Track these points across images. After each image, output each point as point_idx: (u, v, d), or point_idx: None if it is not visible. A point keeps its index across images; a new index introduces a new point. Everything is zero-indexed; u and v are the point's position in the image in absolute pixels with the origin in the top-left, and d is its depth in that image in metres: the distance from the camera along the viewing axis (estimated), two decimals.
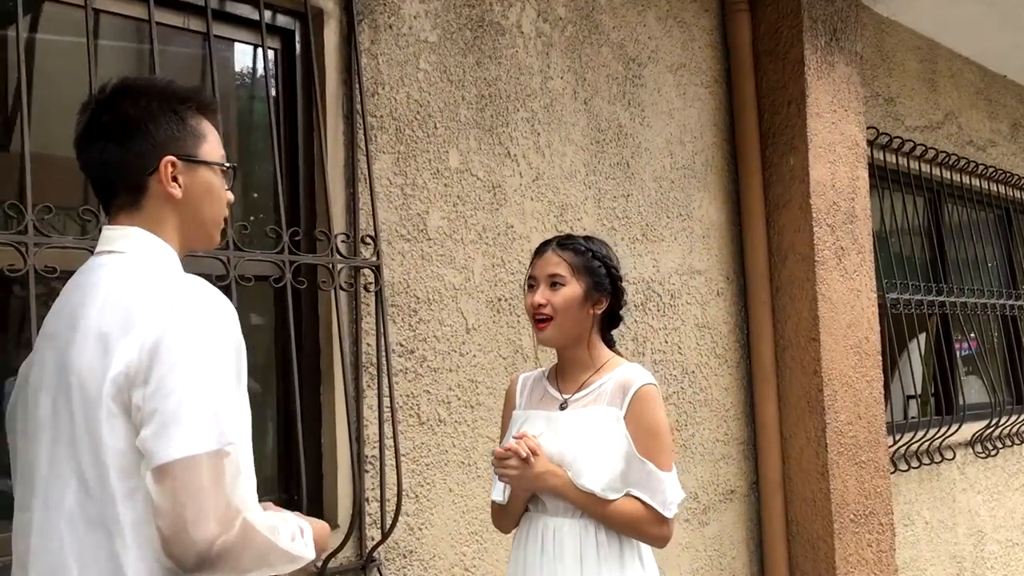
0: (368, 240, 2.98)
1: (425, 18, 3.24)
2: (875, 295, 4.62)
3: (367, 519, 2.93)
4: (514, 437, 2.22)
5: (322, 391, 2.95)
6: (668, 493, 2.17)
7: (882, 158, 5.21)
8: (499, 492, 2.29)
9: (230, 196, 1.71)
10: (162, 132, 1.60)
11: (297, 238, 2.82)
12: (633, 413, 2.19)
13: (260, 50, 2.88)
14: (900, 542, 4.90)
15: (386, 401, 2.95)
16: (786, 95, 4.36)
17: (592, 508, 2.17)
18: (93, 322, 1.48)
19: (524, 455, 2.15)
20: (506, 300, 3.38)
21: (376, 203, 2.99)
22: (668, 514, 2.17)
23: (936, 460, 5.35)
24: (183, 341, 1.42)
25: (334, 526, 2.83)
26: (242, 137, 3.05)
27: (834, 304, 4.32)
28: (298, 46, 3.00)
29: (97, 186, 1.65)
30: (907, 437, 5.08)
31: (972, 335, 6.09)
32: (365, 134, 2.99)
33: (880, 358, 4.59)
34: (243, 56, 3.03)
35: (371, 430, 2.95)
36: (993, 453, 5.88)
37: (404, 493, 2.97)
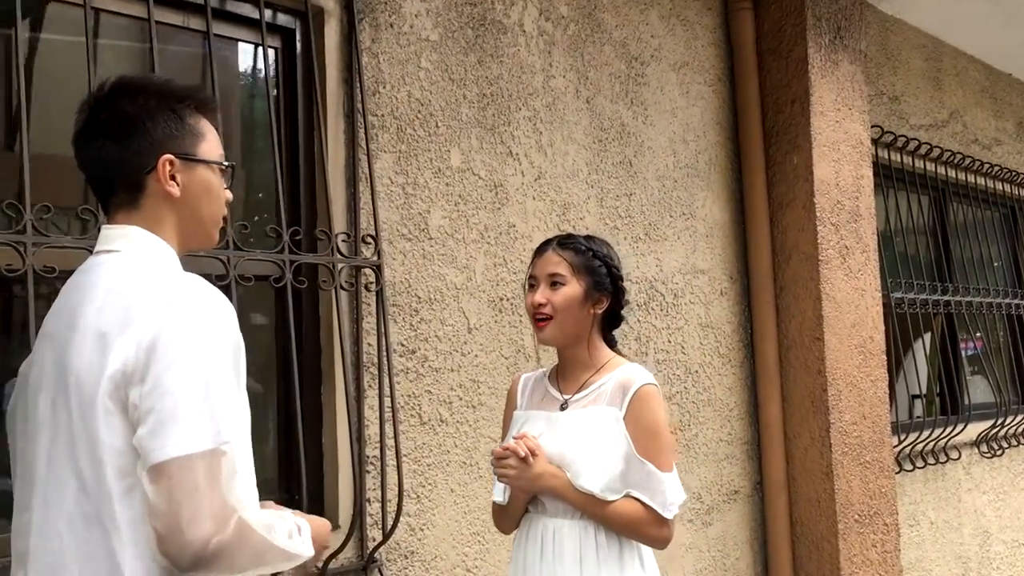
0: (369, 239, 2.96)
1: (426, 16, 3.23)
2: (880, 294, 4.60)
3: (368, 519, 2.92)
4: (513, 437, 2.22)
5: (323, 391, 2.94)
6: (668, 494, 2.16)
7: (887, 157, 5.19)
8: (499, 493, 2.28)
9: (229, 195, 1.71)
10: (160, 130, 1.60)
11: (298, 237, 2.81)
12: (633, 413, 2.18)
13: (260, 49, 2.87)
14: (905, 542, 4.88)
15: (387, 401, 2.94)
16: (790, 93, 4.34)
17: (591, 509, 2.16)
18: (91, 321, 1.48)
19: (522, 455, 2.14)
20: (508, 300, 3.37)
21: (377, 202, 2.98)
22: (668, 515, 2.16)
23: (941, 460, 5.33)
24: (180, 339, 1.42)
25: (335, 527, 2.82)
26: (243, 136, 3.04)
27: (838, 303, 4.31)
28: (299, 45, 2.99)
29: (95, 185, 1.64)
30: (912, 437, 5.05)
31: (978, 334, 6.06)
32: (366, 133, 2.98)
33: (885, 358, 4.57)
34: (243, 55, 3.02)
35: (372, 430, 2.94)
36: (999, 453, 5.86)
37: (405, 493, 2.97)
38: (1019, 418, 6.04)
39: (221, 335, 1.47)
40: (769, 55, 4.41)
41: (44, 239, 2.27)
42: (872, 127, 4.84)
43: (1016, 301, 6.25)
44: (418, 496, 3.06)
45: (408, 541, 3.03)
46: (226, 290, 2.47)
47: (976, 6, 5.30)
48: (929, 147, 5.51)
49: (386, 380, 2.93)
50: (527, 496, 2.23)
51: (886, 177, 5.20)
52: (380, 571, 2.94)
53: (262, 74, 2.92)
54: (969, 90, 6.09)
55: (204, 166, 1.64)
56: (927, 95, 5.68)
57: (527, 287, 2.32)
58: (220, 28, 2.79)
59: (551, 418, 2.26)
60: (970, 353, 6.10)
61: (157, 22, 2.60)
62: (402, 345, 3.06)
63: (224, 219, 1.73)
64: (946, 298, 5.56)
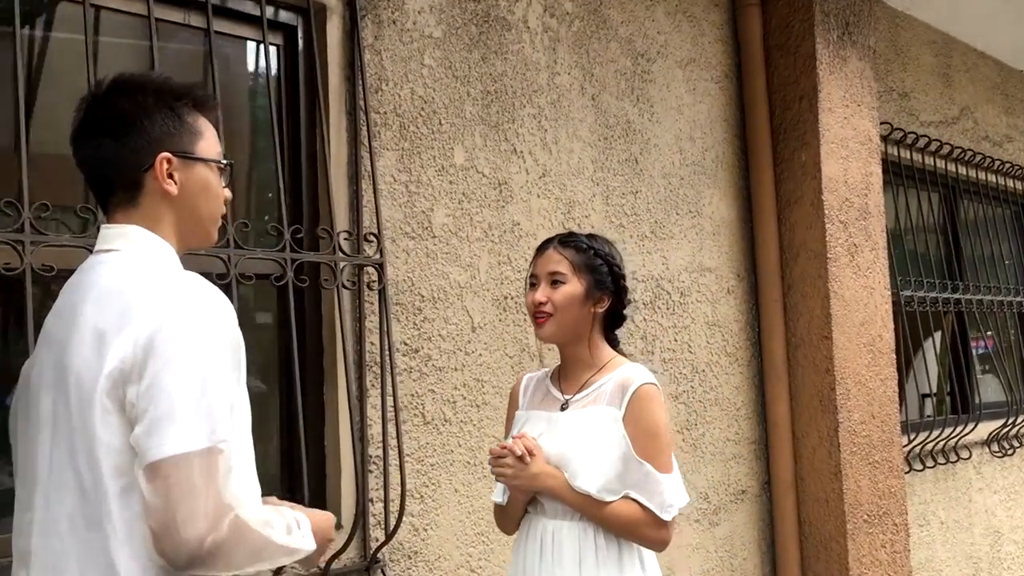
0: (371, 238, 2.95)
1: (429, 13, 3.21)
2: (889, 292, 4.56)
3: (371, 519, 2.91)
4: (513, 437, 2.20)
5: (325, 390, 2.93)
6: (666, 495, 2.13)
7: (896, 154, 5.16)
8: (499, 493, 2.27)
9: (228, 193, 1.71)
10: (157, 128, 1.59)
11: (299, 236, 2.80)
12: (632, 413, 2.15)
13: (262, 46, 2.85)
14: (915, 543, 4.85)
15: (390, 400, 2.92)
16: (798, 90, 4.31)
17: (589, 510, 2.13)
18: (90, 320, 1.48)
19: (519, 453, 2.13)
20: (512, 298, 3.35)
21: (380, 200, 2.96)
22: (666, 517, 2.13)
23: (952, 459, 5.29)
24: (178, 337, 1.42)
25: (337, 526, 2.81)
26: (244, 134, 3.03)
27: (847, 302, 4.27)
28: (300, 42, 2.97)
29: (94, 183, 1.64)
30: (922, 436, 5.02)
31: (988, 333, 6.02)
32: (368, 131, 2.97)
33: (894, 356, 4.54)
34: (245, 52, 3.01)
35: (375, 429, 2.93)
36: (1010, 452, 5.81)
37: (409, 493, 2.95)
38: None
39: (219, 333, 1.46)
40: (777, 51, 4.37)
41: (42, 238, 2.26)
42: (881, 124, 4.81)
43: None
44: (421, 496, 3.05)
45: (412, 541, 3.01)
46: (227, 289, 2.46)
47: (987, 2, 5.26)
48: (939, 144, 5.47)
49: (388, 379, 2.92)
50: (526, 496, 2.21)
51: (896, 174, 5.16)
52: (383, 571, 2.92)
53: (264, 72, 2.90)
54: (980, 86, 6.04)
55: (202, 164, 1.63)
56: (937, 91, 5.63)
57: (528, 285, 2.31)
58: (221, 25, 2.78)
59: (551, 418, 2.24)
60: (981, 352, 6.05)
61: (158, 19, 2.59)
62: (405, 344, 3.04)
63: (224, 217, 1.73)
64: (956, 296, 5.52)
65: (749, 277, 4.35)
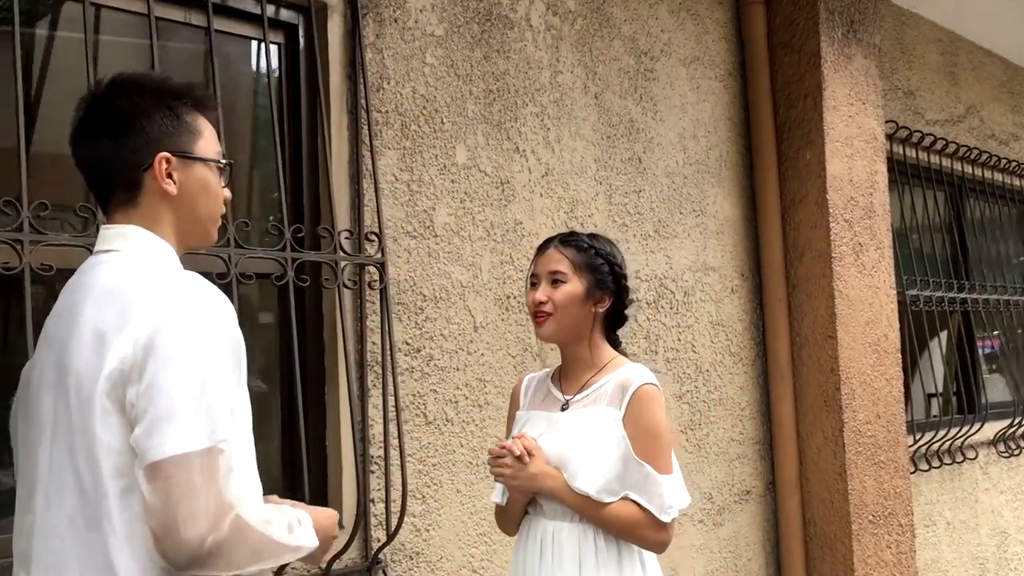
0: (373, 237, 2.94)
1: (431, 11, 3.20)
2: (894, 292, 4.54)
3: (372, 520, 2.90)
4: (512, 437, 2.19)
5: (326, 390, 2.92)
6: (666, 497, 2.11)
7: (902, 152, 5.13)
8: (498, 493, 2.26)
9: (227, 193, 1.70)
10: (156, 128, 1.59)
11: (300, 235, 2.79)
12: (632, 414, 2.14)
13: (263, 45, 2.84)
14: (921, 543, 4.82)
15: (391, 400, 2.91)
16: (802, 88, 4.29)
17: (588, 511, 2.12)
18: (89, 321, 1.48)
19: (517, 453, 2.11)
20: (515, 298, 3.34)
21: (381, 199, 2.95)
22: (665, 519, 2.11)
23: (958, 460, 5.27)
24: (177, 337, 1.42)
25: (339, 526, 2.79)
26: (245, 133, 3.02)
27: (852, 301, 4.25)
28: (302, 40, 2.96)
29: (93, 184, 1.64)
30: (928, 436, 5.00)
31: (995, 333, 5.99)
32: (370, 129, 2.95)
33: (899, 356, 4.51)
34: (246, 51, 3.00)
35: (376, 429, 2.92)
36: (1016, 452, 5.79)
37: (410, 494, 2.94)
38: None
39: (219, 333, 1.46)
40: (781, 49, 4.36)
41: (41, 237, 2.26)
42: (887, 122, 4.79)
43: None
44: (423, 496, 3.03)
45: (413, 542, 3.00)
46: (227, 288, 2.45)
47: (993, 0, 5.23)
48: (945, 143, 5.45)
49: (390, 379, 2.90)
50: (525, 497, 2.20)
51: (901, 173, 5.14)
52: (384, 572, 2.91)
53: (265, 70, 2.89)
54: (986, 85, 6.01)
55: (201, 164, 1.63)
56: (943, 90, 5.61)
57: (529, 285, 2.29)
58: (222, 24, 2.77)
59: (551, 418, 2.23)
60: (987, 351, 6.03)
61: (158, 18, 2.59)
62: (407, 344, 3.03)
63: (224, 217, 1.73)
64: (963, 295, 5.49)
65: (753, 276, 4.33)
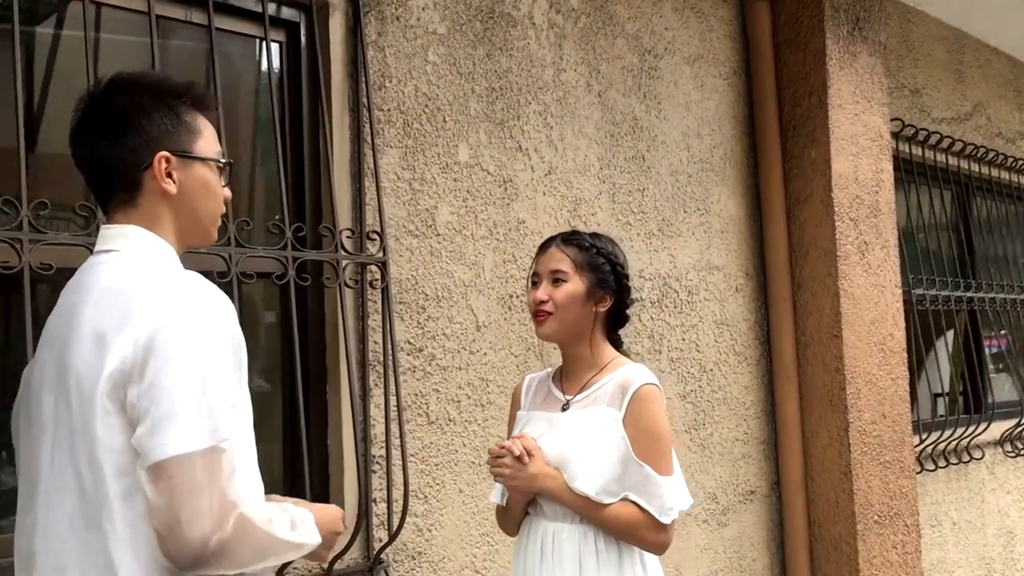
0: (374, 236, 2.92)
1: (433, 9, 3.18)
2: (900, 291, 4.52)
3: (374, 520, 2.88)
4: (512, 437, 2.18)
5: (328, 390, 2.91)
6: (666, 498, 2.10)
7: (908, 151, 5.11)
8: (497, 494, 2.25)
9: (227, 192, 1.70)
10: (155, 127, 1.59)
11: (301, 234, 2.78)
12: (632, 414, 2.12)
13: (264, 43, 2.83)
14: (927, 544, 4.80)
15: (393, 400, 2.90)
16: (807, 86, 4.27)
17: (587, 512, 2.11)
18: (89, 321, 1.48)
19: (517, 453, 2.10)
20: (517, 297, 3.32)
21: (383, 198, 2.94)
22: (665, 520, 2.09)
23: (964, 460, 5.24)
24: (178, 337, 1.42)
25: None
26: (246, 132, 3.01)
27: (857, 300, 4.23)
28: (303, 39, 2.95)
29: (93, 184, 1.64)
30: (934, 436, 4.97)
31: (1002, 332, 5.96)
32: (371, 128, 2.94)
33: (905, 355, 4.49)
34: (247, 49, 2.99)
35: (378, 429, 2.90)
36: (1023, 452, 5.75)
37: (412, 494, 2.93)
38: None
39: (219, 332, 1.46)
40: (786, 47, 4.33)
41: (41, 236, 2.25)
42: (893, 120, 4.76)
43: None
44: (426, 496, 3.02)
45: (416, 542, 2.99)
46: (227, 287, 2.45)
47: None
48: (951, 141, 5.42)
49: (392, 378, 2.89)
50: (525, 497, 2.19)
51: (907, 171, 5.11)
52: (386, 572, 2.90)
53: (266, 69, 2.88)
54: (993, 82, 5.98)
55: (201, 163, 1.63)
56: (949, 88, 5.58)
57: (530, 284, 2.28)
58: (223, 22, 2.76)
59: (552, 419, 2.22)
60: (994, 351, 6.00)
61: (159, 16, 2.58)
62: (409, 343, 3.02)
63: (224, 216, 1.72)
64: (969, 295, 5.46)
65: (758, 275, 4.31)
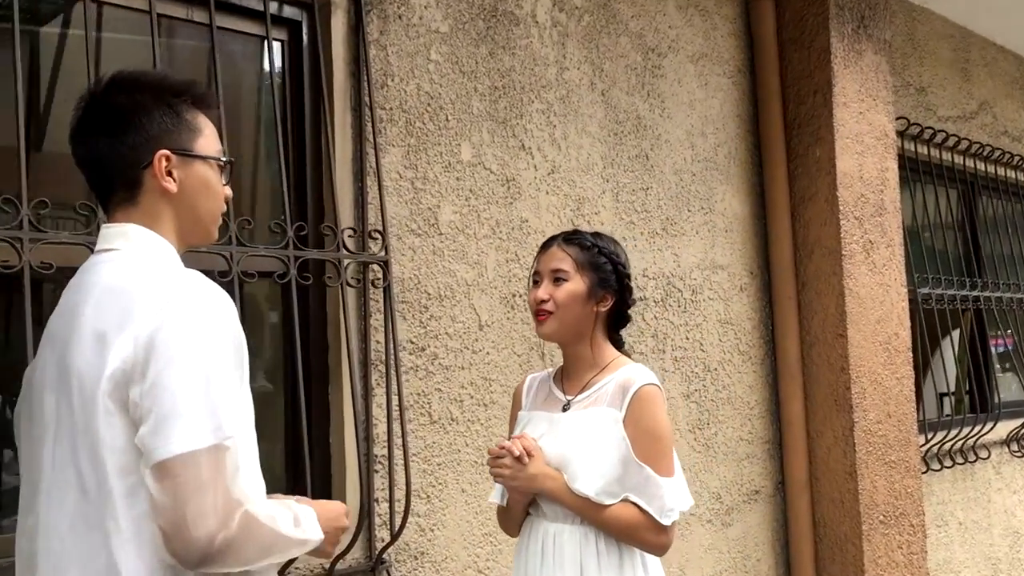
0: (376, 235, 2.92)
1: (436, 8, 3.17)
2: (905, 290, 4.50)
3: (376, 520, 2.87)
4: (512, 437, 2.16)
5: (330, 389, 2.90)
6: (667, 499, 2.08)
7: (913, 149, 5.09)
8: (497, 494, 2.24)
9: (228, 191, 1.70)
10: (156, 126, 1.59)
11: (303, 233, 2.77)
12: (632, 415, 2.11)
13: (266, 42, 2.83)
14: (933, 544, 4.78)
15: (395, 399, 2.89)
16: (812, 84, 4.25)
17: (587, 513, 2.09)
18: (90, 321, 1.48)
19: (517, 454, 2.09)
20: (520, 296, 3.31)
21: (385, 197, 2.93)
22: (665, 522, 2.08)
23: (970, 459, 5.22)
24: (179, 335, 1.41)
25: None
26: (248, 131, 3.01)
27: (862, 299, 4.21)
28: (305, 37, 2.95)
29: (93, 183, 1.64)
30: (940, 436, 4.95)
31: (1008, 331, 5.93)
32: (373, 127, 2.94)
33: (911, 354, 4.47)
34: (250, 48, 2.98)
35: (380, 429, 2.90)
36: None
37: (415, 493, 2.92)
38: None
39: (220, 330, 1.46)
40: (790, 45, 4.32)
41: (41, 235, 2.25)
42: (898, 119, 4.74)
43: None
44: (428, 496, 3.01)
45: (418, 542, 2.98)
46: (229, 287, 2.44)
47: None
48: (957, 139, 5.40)
49: (394, 378, 2.88)
50: (525, 498, 2.18)
51: (912, 170, 5.09)
52: (388, 572, 2.90)
53: (268, 68, 2.87)
54: (999, 81, 5.96)
55: (201, 161, 1.62)
56: (955, 86, 5.56)
57: (531, 283, 2.27)
58: (225, 21, 2.76)
59: (553, 419, 2.20)
60: (1000, 350, 5.97)
61: (160, 15, 2.57)
62: (411, 342, 3.01)
63: (225, 215, 1.72)
64: (975, 294, 5.44)
65: (762, 274, 4.30)
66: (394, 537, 2.85)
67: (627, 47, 3.81)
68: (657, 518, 2.07)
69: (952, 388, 5.49)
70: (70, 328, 1.50)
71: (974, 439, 5.20)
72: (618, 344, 2.29)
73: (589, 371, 2.22)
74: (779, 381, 4.28)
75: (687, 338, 3.92)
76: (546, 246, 2.27)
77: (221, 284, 1.54)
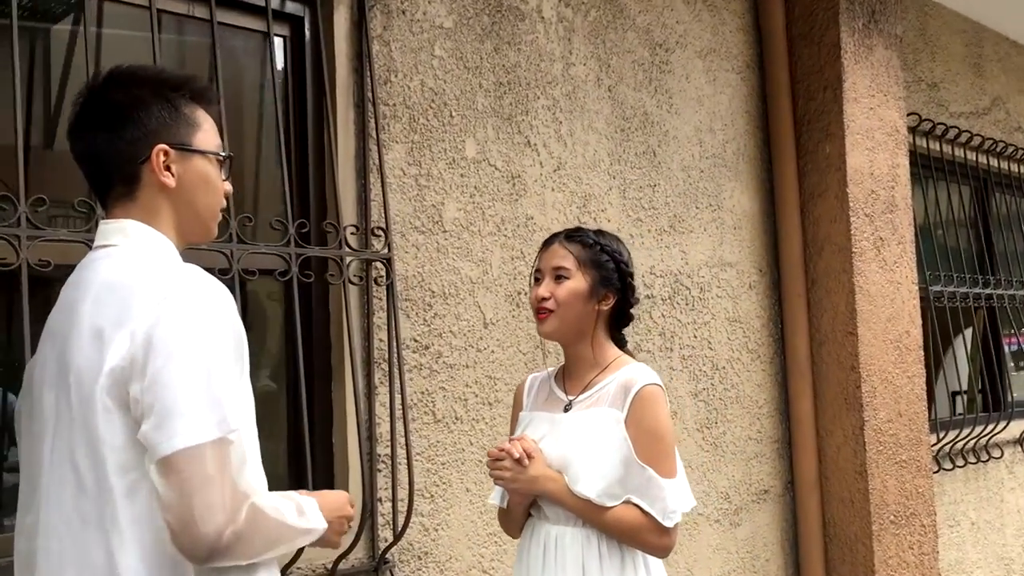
0: (379, 232, 2.89)
1: (440, 3, 3.15)
2: (916, 287, 4.46)
3: (380, 519, 2.86)
4: (511, 439, 2.14)
5: (333, 388, 2.88)
6: (669, 501, 2.05)
7: (925, 145, 5.04)
8: (496, 495, 2.21)
9: (228, 187, 1.69)
10: (154, 120, 1.57)
11: (304, 230, 2.75)
12: (634, 415, 2.07)
13: (268, 38, 2.81)
14: (944, 544, 4.74)
15: (399, 398, 2.87)
16: (822, 80, 4.21)
17: (589, 515, 2.06)
18: (88, 317, 1.47)
19: (516, 456, 2.06)
20: (526, 294, 3.28)
21: (388, 194, 2.91)
22: (668, 524, 2.05)
23: (983, 459, 5.18)
24: (178, 330, 1.40)
25: None
26: (249, 127, 2.99)
27: (873, 297, 4.17)
28: (307, 33, 2.92)
29: (91, 178, 1.63)
30: (952, 435, 4.91)
31: (1022, 330, 5.88)
32: (376, 123, 2.91)
33: (922, 353, 4.43)
34: (251, 44, 2.96)
35: (384, 428, 2.88)
36: None
37: (419, 493, 2.90)
38: None
39: (219, 323, 1.45)
40: (800, 40, 4.28)
41: (39, 232, 2.23)
42: (910, 115, 4.70)
43: None
44: (432, 496, 2.99)
45: (422, 541, 2.96)
46: (230, 284, 2.41)
47: None
48: (970, 135, 5.35)
49: (397, 376, 2.86)
50: (525, 500, 2.15)
51: (924, 167, 5.05)
52: (392, 572, 2.87)
53: (269, 64, 2.85)
54: (1012, 76, 5.90)
55: (200, 156, 1.61)
56: (968, 81, 5.50)
57: (532, 281, 2.24)
58: (226, 16, 2.74)
59: (554, 420, 2.17)
60: (1013, 349, 5.92)
61: (160, 10, 2.56)
62: (415, 341, 2.99)
63: (225, 211, 1.71)
64: (988, 291, 5.39)
65: (771, 272, 4.26)
66: (397, 537, 2.83)
67: (634, 42, 3.77)
68: (659, 520, 2.04)
69: (964, 387, 5.44)
70: (69, 324, 1.49)
71: (986, 438, 5.16)
72: (620, 343, 2.26)
73: (591, 371, 2.20)
74: (788, 379, 4.24)
75: (695, 336, 3.89)
76: (548, 244, 2.24)
77: (222, 282, 1.52)
